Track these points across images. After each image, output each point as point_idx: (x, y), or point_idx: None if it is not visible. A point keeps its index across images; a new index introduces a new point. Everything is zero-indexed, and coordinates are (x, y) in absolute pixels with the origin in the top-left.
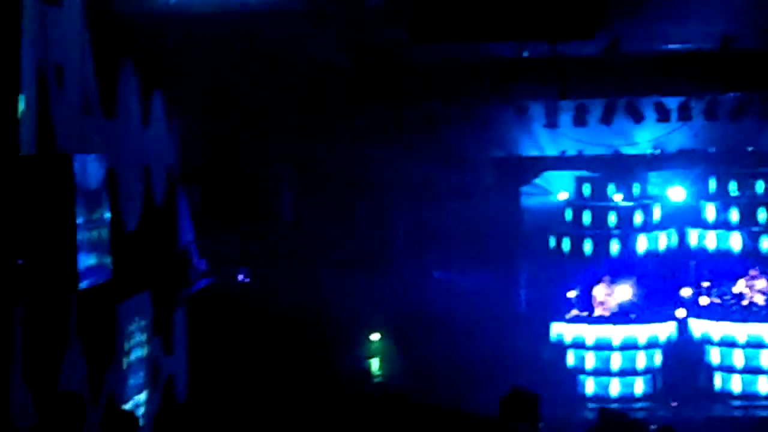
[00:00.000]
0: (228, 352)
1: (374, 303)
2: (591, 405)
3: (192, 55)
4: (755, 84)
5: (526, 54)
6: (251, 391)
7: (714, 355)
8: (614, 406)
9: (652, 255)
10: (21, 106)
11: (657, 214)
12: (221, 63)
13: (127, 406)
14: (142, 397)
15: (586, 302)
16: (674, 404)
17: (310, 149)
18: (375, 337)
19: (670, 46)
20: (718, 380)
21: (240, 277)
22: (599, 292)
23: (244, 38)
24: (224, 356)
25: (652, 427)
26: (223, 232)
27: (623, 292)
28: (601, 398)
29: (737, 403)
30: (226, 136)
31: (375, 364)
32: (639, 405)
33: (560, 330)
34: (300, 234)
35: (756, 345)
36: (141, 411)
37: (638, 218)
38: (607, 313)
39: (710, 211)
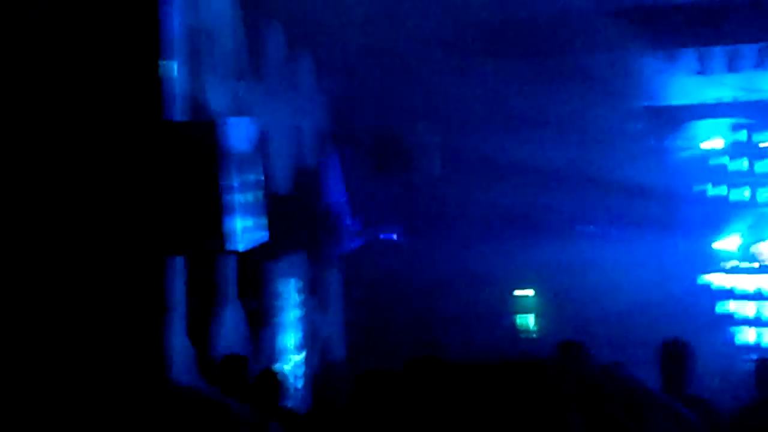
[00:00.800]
0: (382, 313)
1: (527, 259)
2: (750, 356)
3: (340, 15)
4: None
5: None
6: (405, 352)
7: None
8: None
9: None
10: (173, 72)
11: None
12: (370, 22)
13: (286, 367)
14: (299, 357)
15: (745, 252)
16: None
17: (458, 103)
18: (527, 293)
19: None
20: None
21: (392, 236)
22: (765, 247)
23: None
24: (379, 317)
25: None
26: (375, 192)
27: None
28: (759, 349)
29: None
30: (375, 96)
31: (528, 320)
32: None
33: (716, 280)
34: (449, 191)
35: None
36: (300, 371)
37: None
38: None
39: None
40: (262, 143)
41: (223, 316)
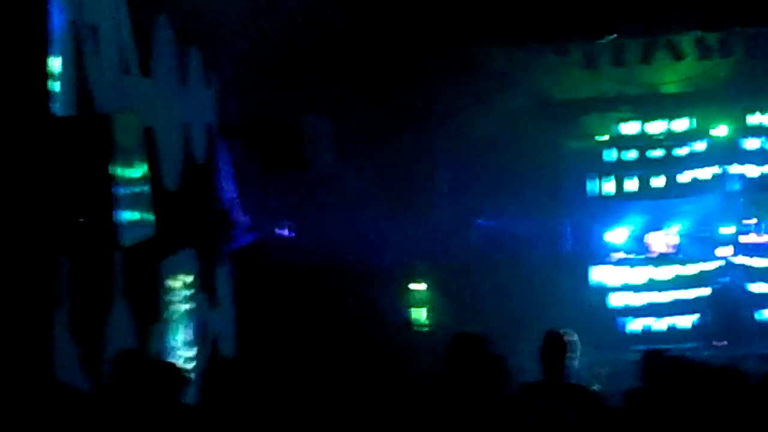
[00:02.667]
0: (273, 307)
1: (417, 251)
2: (636, 347)
3: (228, 8)
4: None
5: None
6: (297, 346)
7: (757, 291)
8: (659, 346)
9: (695, 192)
10: (57, 67)
11: (699, 150)
12: (258, 15)
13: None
14: (189, 353)
15: (637, 244)
16: (721, 344)
17: (348, 98)
18: (419, 286)
19: None
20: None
21: (283, 230)
22: (654, 238)
23: None
24: (270, 311)
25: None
26: (264, 186)
27: (673, 234)
28: (647, 338)
29: None
30: (263, 90)
31: (419, 313)
32: (686, 345)
33: (604, 272)
34: (342, 185)
35: None
36: (189, 367)
37: (680, 154)
38: (654, 255)
39: (751, 146)
40: (150, 138)
41: (110, 314)
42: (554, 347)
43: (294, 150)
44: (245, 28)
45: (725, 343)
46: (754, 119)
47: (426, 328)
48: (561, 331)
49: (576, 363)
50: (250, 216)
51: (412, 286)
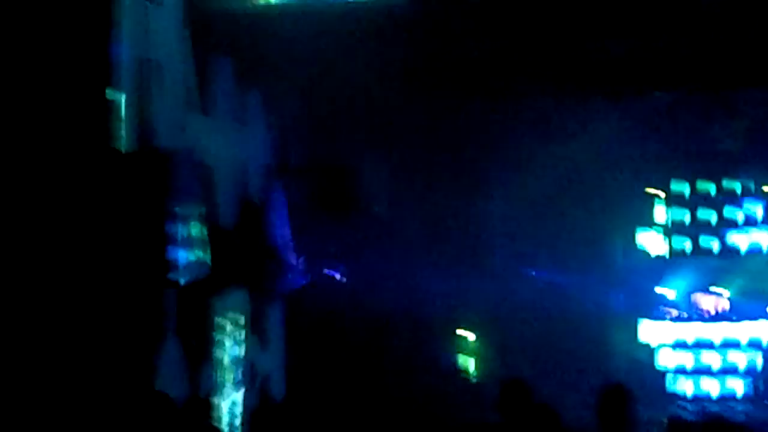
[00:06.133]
0: (324, 351)
1: (470, 301)
2: (689, 407)
3: (289, 51)
4: None
5: None
6: (346, 391)
7: None
8: (713, 407)
9: (752, 254)
10: (121, 102)
11: (759, 212)
12: (318, 59)
13: (224, 404)
14: (238, 395)
15: (685, 302)
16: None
17: (406, 143)
18: (469, 335)
19: None
20: None
21: (336, 274)
22: (703, 298)
23: (341, 33)
24: (320, 355)
25: None
26: (320, 229)
27: (722, 295)
28: (700, 399)
29: None
30: (322, 132)
31: (469, 362)
32: (739, 407)
33: (654, 328)
34: (396, 231)
35: None
36: (238, 409)
37: (739, 216)
38: (706, 314)
39: None
40: (208, 176)
41: (160, 351)
42: (616, 400)
43: (349, 194)
44: (306, 70)
45: None
46: None
47: (474, 378)
48: (621, 387)
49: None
50: (303, 258)
51: (462, 333)
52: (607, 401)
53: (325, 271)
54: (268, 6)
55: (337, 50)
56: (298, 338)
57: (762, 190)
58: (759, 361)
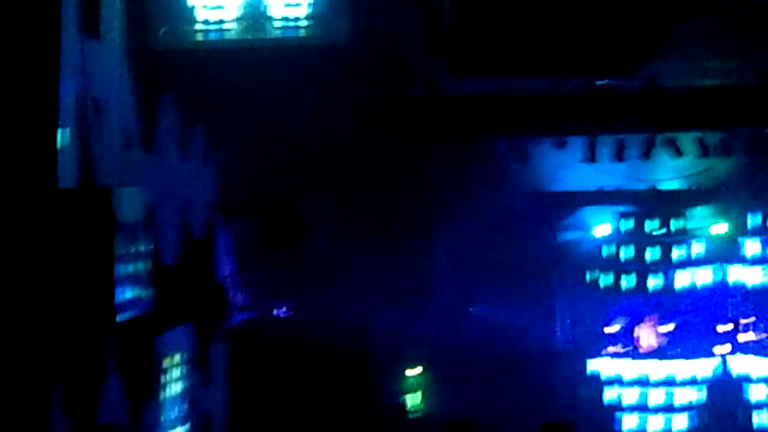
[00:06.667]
0: (266, 387)
1: (416, 337)
2: None
3: (234, 88)
4: None
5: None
6: (289, 429)
7: (754, 393)
8: None
9: (691, 291)
10: (61, 139)
11: (697, 249)
12: (263, 96)
13: None
14: (182, 431)
15: (627, 338)
16: None
17: (350, 181)
18: (414, 371)
19: (708, 82)
20: (756, 418)
21: (280, 311)
22: (643, 331)
23: (288, 71)
24: (263, 391)
25: None
26: (263, 265)
27: (666, 330)
28: None
29: None
30: (267, 169)
31: (414, 398)
32: None
33: (598, 366)
34: (340, 267)
35: None
36: None
37: (678, 253)
38: (647, 350)
39: (751, 247)
40: (151, 214)
41: (101, 388)
42: None
43: (294, 230)
44: (251, 107)
45: None
46: (755, 220)
47: (420, 414)
48: (562, 424)
49: None
50: (247, 294)
51: (408, 371)
52: None
53: (270, 307)
54: (214, 42)
55: (282, 88)
56: (243, 375)
57: (705, 230)
58: (702, 397)
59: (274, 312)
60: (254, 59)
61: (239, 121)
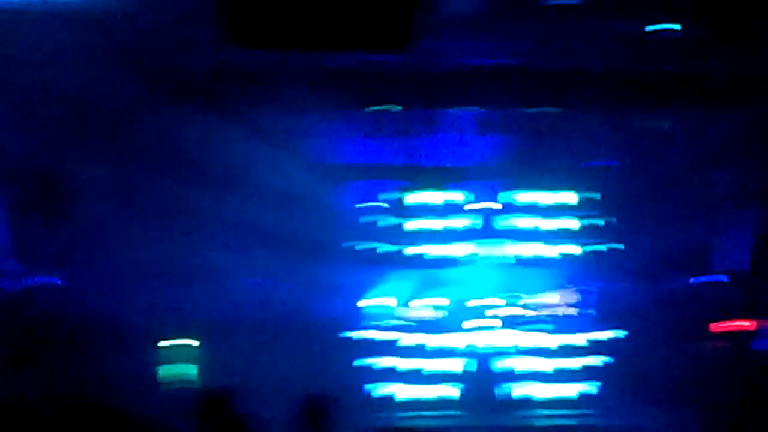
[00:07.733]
0: (31, 357)
1: (191, 310)
2: (399, 413)
3: (3, 52)
4: (550, 102)
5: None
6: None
7: (508, 365)
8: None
9: (454, 264)
10: None
11: (458, 224)
12: (34, 61)
13: None
14: None
15: (389, 310)
16: (471, 413)
17: (127, 151)
18: (184, 342)
19: (473, 61)
20: (517, 389)
21: (55, 279)
22: (413, 303)
23: (60, 35)
24: (28, 361)
25: None
26: (35, 234)
27: (435, 303)
28: (404, 404)
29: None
30: (38, 136)
31: (174, 370)
32: (435, 413)
33: (365, 336)
34: (114, 236)
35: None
36: None
37: (439, 226)
38: (415, 322)
39: (507, 223)
40: None
41: None
42: (315, 413)
43: (65, 199)
44: (21, 73)
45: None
46: (518, 197)
47: (195, 386)
48: (321, 397)
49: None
50: (18, 262)
51: (176, 342)
52: (308, 411)
53: (43, 276)
54: None
55: (54, 53)
56: (8, 343)
57: (482, 203)
58: (457, 369)
59: (41, 281)
60: (28, 23)
61: (10, 86)
